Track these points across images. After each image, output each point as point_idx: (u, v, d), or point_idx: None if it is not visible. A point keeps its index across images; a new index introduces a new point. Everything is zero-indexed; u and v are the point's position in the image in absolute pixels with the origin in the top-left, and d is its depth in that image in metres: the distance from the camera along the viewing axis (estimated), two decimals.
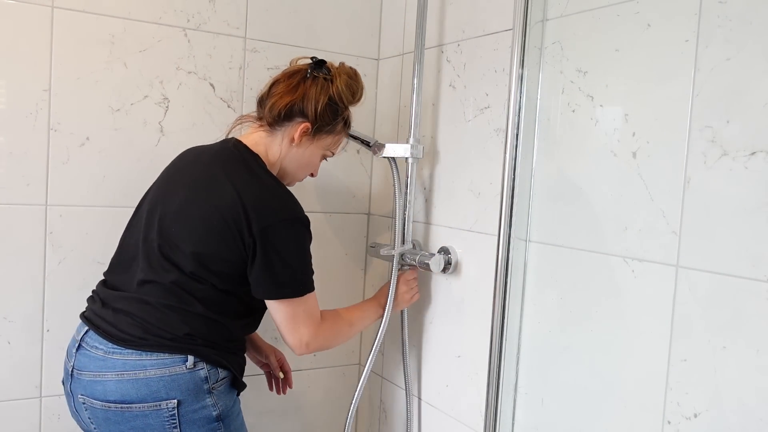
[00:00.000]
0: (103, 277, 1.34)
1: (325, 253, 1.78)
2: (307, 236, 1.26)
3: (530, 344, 1.28)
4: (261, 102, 1.34)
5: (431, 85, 1.59)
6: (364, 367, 1.55)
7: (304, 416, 1.83)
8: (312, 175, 1.43)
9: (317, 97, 1.29)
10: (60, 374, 1.49)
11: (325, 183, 1.78)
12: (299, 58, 1.38)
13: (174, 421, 1.17)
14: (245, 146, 1.30)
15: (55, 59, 1.44)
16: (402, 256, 1.54)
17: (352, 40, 1.79)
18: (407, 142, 1.55)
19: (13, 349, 1.45)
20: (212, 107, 1.61)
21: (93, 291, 1.32)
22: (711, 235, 0.96)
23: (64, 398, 1.50)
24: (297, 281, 1.25)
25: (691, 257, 0.99)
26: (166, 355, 1.17)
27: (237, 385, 1.29)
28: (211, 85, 1.61)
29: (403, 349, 1.60)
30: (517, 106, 1.23)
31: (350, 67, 1.38)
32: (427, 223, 1.60)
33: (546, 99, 1.25)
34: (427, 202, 1.60)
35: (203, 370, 1.19)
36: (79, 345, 1.22)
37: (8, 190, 1.42)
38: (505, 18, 1.36)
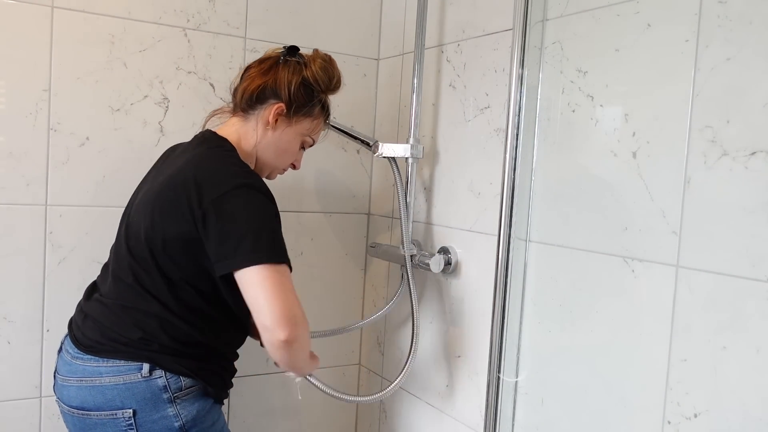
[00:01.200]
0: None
1: (325, 253, 1.78)
2: (269, 205, 1.12)
3: (530, 344, 1.28)
4: (234, 91, 1.28)
5: (431, 85, 1.59)
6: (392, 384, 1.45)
7: (304, 416, 1.83)
8: (293, 166, 1.34)
9: (290, 77, 1.23)
10: None
11: (325, 183, 1.78)
12: (274, 49, 1.31)
13: (132, 431, 1.12)
14: (215, 133, 1.25)
15: (55, 59, 1.44)
16: (412, 257, 1.53)
17: (352, 40, 1.79)
18: (407, 142, 1.55)
19: (13, 349, 1.45)
20: (212, 107, 1.60)
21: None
22: (711, 235, 0.96)
23: None
24: (267, 245, 1.07)
25: (691, 257, 0.99)
26: (122, 362, 1.12)
27: (215, 394, 1.20)
28: (211, 85, 1.61)
29: (403, 349, 1.60)
30: (517, 106, 1.23)
31: (325, 54, 1.30)
32: (427, 223, 1.60)
33: (546, 99, 1.25)
34: (427, 202, 1.60)
35: (161, 378, 1.12)
36: (60, 347, 1.24)
37: (8, 190, 1.42)
38: (505, 18, 1.36)
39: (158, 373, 1.13)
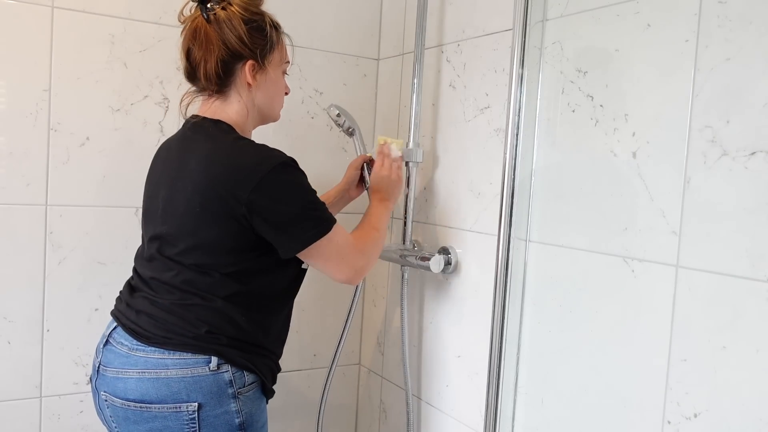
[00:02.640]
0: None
1: None
2: (300, 174, 1.15)
3: (530, 344, 1.28)
4: (190, 76, 1.22)
5: (431, 85, 1.59)
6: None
7: (304, 416, 1.83)
8: (286, 93, 1.31)
9: (235, 31, 1.16)
10: (60, 374, 1.50)
11: (325, 183, 1.78)
12: (182, 9, 1.22)
13: (194, 425, 1.10)
14: (203, 117, 1.20)
15: (55, 59, 1.44)
16: (407, 257, 1.54)
17: (352, 40, 1.79)
18: (407, 146, 1.55)
19: (13, 349, 1.45)
20: None
21: (121, 291, 1.28)
22: (711, 235, 0.96)
23: (64, 398, 1.51)
24: (315, 219, 1.14)
25: (691, 257, 0.99)
26: (189, 354, 1.11)
27: (266, 392, 1.21)
28: None
29: (403, 349, 1.60)
30: (517, 106, 1.23)
31: None
32: (427, 223, 1.60)
33: (546, 99, 1.25)
34: (427, 202, 1.60)
35: (227, 372, 1.12)
36: (107, 341, 1.18)
37: (8, 190, 1.42)
38: (505, 18, 1.36)
39: (225, 367, 1.12)
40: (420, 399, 1.62)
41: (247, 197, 1.09)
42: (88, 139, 1.48)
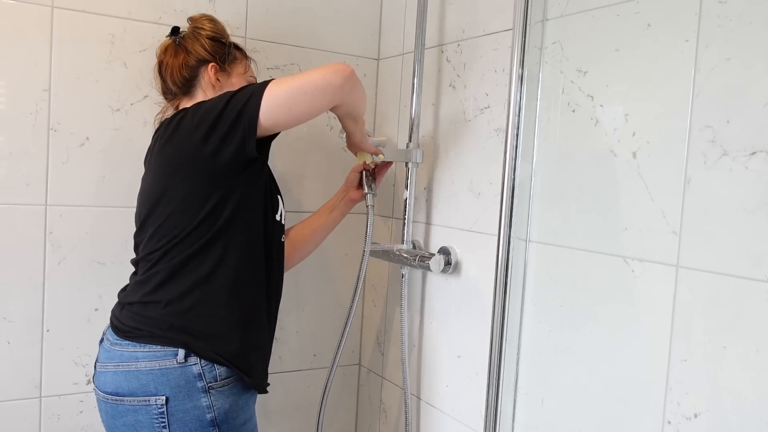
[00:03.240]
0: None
1: (324, 253, 1.78)
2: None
3: (530, 344, 1.28)
4: (164, 90, 1.37)
5: (431, 85, 1.59)
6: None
7: (304, 416, 1.83)
8: None
9: (198, 42, 1.32)
10: (60, 374, 1.50)
11: (325, 183, 1.78)
12: (161, 43, 1.39)
13: (163, 420, 1.10)
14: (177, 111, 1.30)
15: (55, 59, 1.44)
16: (405, 257, 1.54)
17: (352, 40, 1.79)
18: (407, 147, 1.55)
19: (13, 349, 1.45)
20: None
21: None
22: (711, 235, 0.96)
23: (63, 398, 1.51)
24: (249, 87, 1.16)
25: (691, 257, 0.99)
26: (158, 347, 1.12)
27: (254, 386, 1.20)
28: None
29: (402, 349, 1.60)
30: (517, 106, 1.23)
31: (201, 15, 1.38)
32: (427, 223, 1.60)
33: (546, 99, 1.25)
34: (427, 202, 1.60)
35: (196, 365, 1.12)
36: (102, 339, 1.25)
37: (8, 190, 1.42)
38: (505, 18, 1.36)
39: (193, 359, 1.12)
40: (420, 399, 1.62)
41: (191, 126, 1.14)
42: (87, 139, 1.48)
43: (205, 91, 1.32)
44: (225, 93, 1.18)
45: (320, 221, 1.51)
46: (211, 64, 1.32)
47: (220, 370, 1.14)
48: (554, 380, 1.23)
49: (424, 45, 1.55)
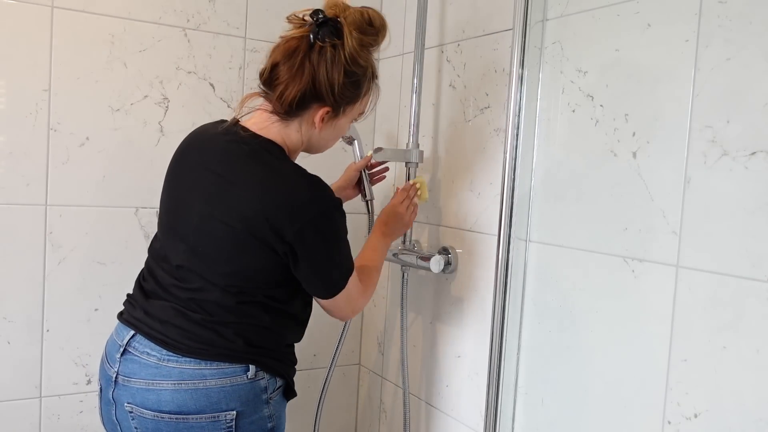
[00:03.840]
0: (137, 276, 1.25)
1: None
2: (342, 220, 1.13)
3: (530, 344, 1.28)
4: (266, 82, 1.13)
5: (431, 85, 1.59)
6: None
7: (304, 416, 1.83)
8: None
9: (331, 76, 1.07)
10: (60, 374, 1.50)
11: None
12: (296, 14, 1.11)
13: None
14: (256, 134, 1.12)
15: (55, 59, 1.44)
16: (402, 254, 1.54)
17: None
18: (407, 147, 1.55)
19: (13, 349, 1.45)
20: (212, 107, 1.61)
21: (130, 294, 1.22)
22: (711, 235, 0.96)
23: (63, 398, 1.51)
24: (345, 270, 1.16)
25: (691, 257, 0.99)
26: (227, 364, 1.10)
27: (288, 393, 1.23)
28: (211, 85, 1.61)
29: (402, 348, 1.60)
30: (517, 106, 1.23)
31: (361, 9, 1.11)
32: (427, 223, 1.60)
33: (546, 99, 1.25)
34: (428, 202, 1.60)
35: (263, 380, 1.13)
36: (125, 350, 1.12)
37: (8, 190, 1.42)
38: (505, 18, 1.36)
39: (261, 374, 1.13)
40: (420, 399, 1.62)
41: (293, 234, 1.07)
42: (88, 139, 1.48)
43: (301, 126, 1.13)
44: (335, 242, 1.13)
45: None
46: (325, 108, 1.11)
47: (278, 382, 1.18)
48: (554, 380, 1.23)
49: (424, 45, 1.55)
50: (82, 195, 1.49)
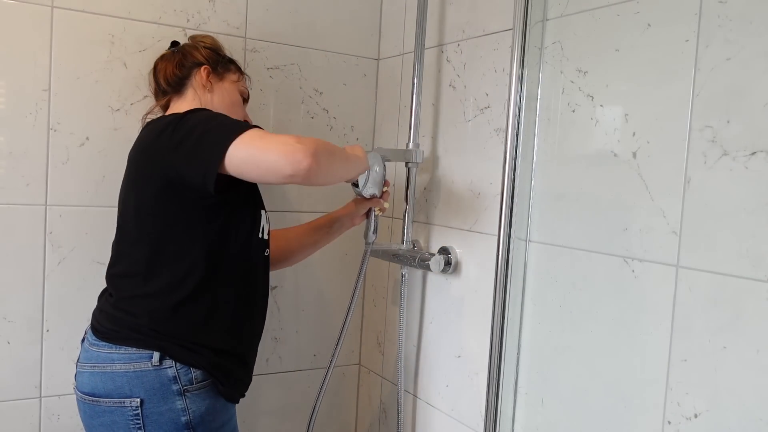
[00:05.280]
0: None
1: (325, 253, 1.78)
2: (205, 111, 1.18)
3: (530, 344, 1.28)
4: (156, 91, 1.39)
5: (431, 85, 1.59)
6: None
7: (303, 416, 1.83)
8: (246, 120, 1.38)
9: (193, 51, 1.35)
10: (60, 374, 1.50)
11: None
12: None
13: (138, 422, 1.11)
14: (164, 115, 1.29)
15: (55, 59, 1.44)
16: (403, 257, 1.54)
17: (352, 40, 1.79)
18: (407, 147, 1.55)
19: (13, 349, 1.45)
20: None
21: None
22: (711, 235, 0.97)
23: (63, 398, 1.51)
24: (230, 125, 1.06)
25: (691, 257, 0.99)
26: (134, 349, 1.12)
27: (226, 394, 1.19)
28: None
29: (399, 347, 1.61)
30: (517, 106, 1.23)
31: (204, 34, 1.45)
32: (427, 223, 1.60)
33: (546, 99, 1.25)
34: (427, 202, 1.60)
35: (171, 368, 1.12)
36: (83, 339, 1.25)
37: (8, 190, 1.42)
38: (505, 18, 1.36)
39: (168, 362, 1.12)
40: (420, 399, 1.62)
41: (168, 144, 1.09)
42: (87, 139, 1.48)
43: (196, 91, 1.32)
44: (208, 119, 1.10)
45: (314, 238, 1.51)
46: (204, 67, 1.33)
47: (195, 374, 1.14)
48: (554, 380, 1.23)
49: (424, 45, 1.55)
50: (82, 195, 1.49)
